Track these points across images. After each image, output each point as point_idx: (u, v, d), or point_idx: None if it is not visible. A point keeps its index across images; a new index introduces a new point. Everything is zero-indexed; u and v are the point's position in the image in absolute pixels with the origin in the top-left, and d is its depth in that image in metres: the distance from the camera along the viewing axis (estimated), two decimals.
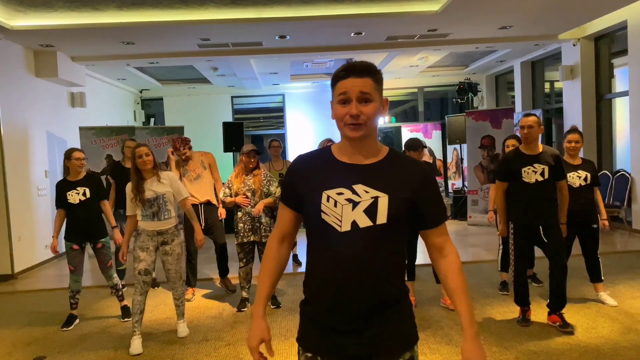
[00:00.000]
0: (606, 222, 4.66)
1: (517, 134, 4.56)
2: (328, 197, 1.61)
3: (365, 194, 1.60)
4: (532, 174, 4.02)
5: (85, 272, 6.99)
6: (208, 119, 12.28)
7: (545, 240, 4.05)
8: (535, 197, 4.02)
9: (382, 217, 1.58)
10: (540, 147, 4.10)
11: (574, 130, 4.62)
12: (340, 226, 1.59)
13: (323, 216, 1.60)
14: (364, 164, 1.65)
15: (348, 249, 1.58)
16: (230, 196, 4.85)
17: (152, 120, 13.20)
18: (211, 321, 4.68)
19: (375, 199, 1.59)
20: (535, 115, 4.14)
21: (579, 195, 4.46)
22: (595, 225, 4.53)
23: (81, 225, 4.66)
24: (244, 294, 5.02)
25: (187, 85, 12.35)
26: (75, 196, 4.64)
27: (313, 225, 1.65)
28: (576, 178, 4.48)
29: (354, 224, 1.58)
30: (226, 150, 9.48)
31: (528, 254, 4.25)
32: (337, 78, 1.62)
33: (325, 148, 1.75)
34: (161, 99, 13.13)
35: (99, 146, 8.34)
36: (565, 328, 4.01)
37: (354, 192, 1.60)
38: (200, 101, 13.02)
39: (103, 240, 4.75)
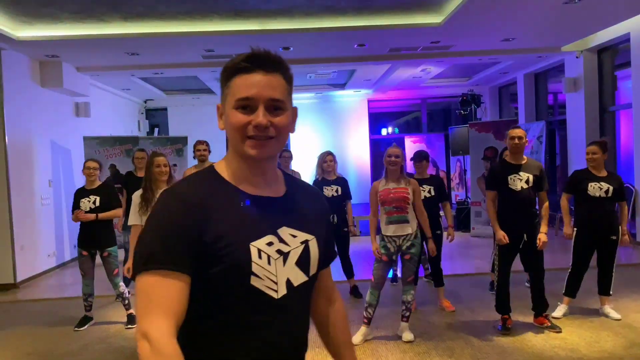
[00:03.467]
0: (626, 238, 4.56)
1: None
2: (259, 251, 1.12)
3: (292, 239, 1.18)
4: (517, 182, 4.20)
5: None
6: (212, 129, 12.21)
7: (526, 248, 4.25)
8: (522, 204, 4.21)
9: (313, 267, 1.22)
10: (525, 159, 4.32)
11: (593, 142, 4.65)
12: (277, 290, 1.13)
13: (253, 281, 1.11)
14: (277, 197, 1.21)
15: (289, 321, 1.17)
16: None
17: (157, 130, 13.26)
18: None
19: (305, 244, 1.20)
20: (521, 127, 4.39)
21: (597, 205, 4.46)
22: (614, 237, 4.49)
23: (89, 233, 4.82)
24: None
25: (192, 96, 12.40)
26: (86, 204, 4.82)
27: (231, 296, 1.11)
28: (597, 189, 4.46)
29: (289, 283, 1.16)
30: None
31: (512, 261, 4.37)
32: (235, 71, 1.14)
33: (208, 170, 1.22)
34: (165, 109, 13.19)
35: (103, 156, 8.37)
36: (554, 329, 4.27)
37: (280, 240, 1.16)
38: (204, 111, 13.04)
39: (110, 249, 4.87)
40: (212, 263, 1.08)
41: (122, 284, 4.93)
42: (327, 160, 5.48)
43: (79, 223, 4.89)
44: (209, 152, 5.75)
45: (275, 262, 1.14)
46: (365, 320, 4.27)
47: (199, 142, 5.72)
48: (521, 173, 4.20)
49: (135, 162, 5.96)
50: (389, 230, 4.16)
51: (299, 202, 1.25)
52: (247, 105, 1.13)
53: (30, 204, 7.34)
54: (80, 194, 4.90)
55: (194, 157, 5.72)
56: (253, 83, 1.12)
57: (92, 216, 4.76)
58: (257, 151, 1.14)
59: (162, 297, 1.03)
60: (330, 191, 5.43)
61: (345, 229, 5.54)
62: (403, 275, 4.25)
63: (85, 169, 4.90)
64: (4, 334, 4.93)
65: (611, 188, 4.45)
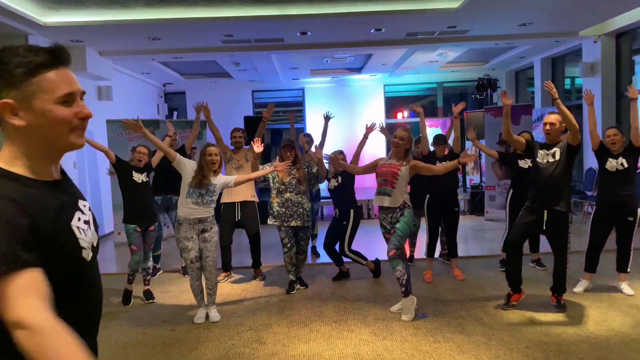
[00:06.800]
0: None
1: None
2: (78, 229, 1.25)
3: (85, 208, 1.33)
4: (544, 156, 4.33)
5: (111, 260, 7.28)
6: (229, 113, 12.46)
7: (549, 229, 4.34)
8: (546, 180, 4.29)
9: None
10: (562, 140, 4.38)
11: (612, 126, 4.81)
12: (88, 255, 1.28)
13: (83, 254, 1.25)
14: (61, 179, 1.32)
15: (97, 280, 1.36)
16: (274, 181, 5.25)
17: (175, 113, 13.47)
18: (233, 307, 4.88)
19: (90, 208, 1.38)
20: (557, 114, 4.36)
21: (615, 182, 4.62)
22: (630, 218, 4.68)
23: (142, 208, 5.09)
24: (291, 277, 5.33)
25: (210, 80, 12.57)
26: (139, 176, 5.12)
27: (70, 273, 1.22)
28: (614, 162, 4.62)
29: (93, 247, 1.32)
30: (247, 143, 9.66)
31: (524, 235, 4.49)
32: (39, 66, 1.18)
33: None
34: (184, 92, 13.39)
35: (125, 139, 8.59)
36: (557, 308, 4.41)
37: (82, 212, 1.31)
38: (222, 95, 13.23)
39: (156, 224, 5.28)
40: (56, 249, 1.16)
41: (151, 259, 5.32)
42: (338, 159, 5.56)
43: (128, 197, 5.07)
44: (245, 139, 5.92)
45: (86, 232, 1.27)
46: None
47: (235, 130, 5.92)
48: (550, 149, 4.31)
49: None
50: (375, 200, 4.57)
51: (65, 174, 1.36)
52: (67, 100, 1.21)
53: None
54: (131, 167, 5.14)
55: (231, 144, 5.90)
56: (69, 79, 1.22)
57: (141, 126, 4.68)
58: (82, 140, 1.26)
59: (27, 287, 1.09)
60: (333, 182, 5.53)
61: (345, 222, 5.51)
62: (387, 250, 4.43)
63: (137, 153, 5.18)
64: None
65: (625, 161, 4.58)
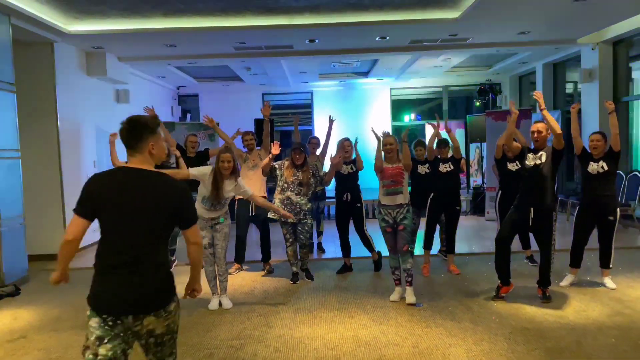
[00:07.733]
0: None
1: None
2: None
3: None
4: (531, 160, 4.71)
5: None
6: (240, 115, 12.87)
7: (535, 226, 4.69)
8: (533, 181, 4.66)
9: None
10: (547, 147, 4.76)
11: (596, 132, 5.15)
12: None
13: None
14: None
15: None
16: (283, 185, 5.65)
17: (189, 115, 13.92)
18: (244, 296, 5.30)
19: None
20: (543, 122, 4.74)
21: (596, 184, 4.97)
22: (611, 218, 5.03)
23: None
24: (294, 269, 5.79)
25: (222, 83, 13.02)
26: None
27: None
28: (595, 166, 4.98)
29: None
30: (258, 145, 10.08)
31: (512, 232, 4.86)
32: (159, 125, 2.43)
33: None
34: (197, 95, 13.84)
35: None
36: (543, 299, 4.78)
37: None
38: (233, 98, 13.67)
39: None
40: None
41: (172, 249, 5.79)
42: (345, 146, 6.03)
43: None
44: (255, 140, 6.37)
45: None
46: (397, 282, 5.01)
47: (246, 133, 6.40)
48: (537, 153, 4.69)
49: (188, 144, 6.66)
50: (385, 200, 4.92)
51: None
52: None
53: (79, 182, 8.06)
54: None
55: (244, 146, 6.35)
56: None
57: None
58: None
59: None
60: (347, 169, 6.04)
61: (359, 205, 6.05)
62: (399, 245, 4.86)
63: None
64: (50, 300, 5.60)
65: (605, 164, 4.93)
